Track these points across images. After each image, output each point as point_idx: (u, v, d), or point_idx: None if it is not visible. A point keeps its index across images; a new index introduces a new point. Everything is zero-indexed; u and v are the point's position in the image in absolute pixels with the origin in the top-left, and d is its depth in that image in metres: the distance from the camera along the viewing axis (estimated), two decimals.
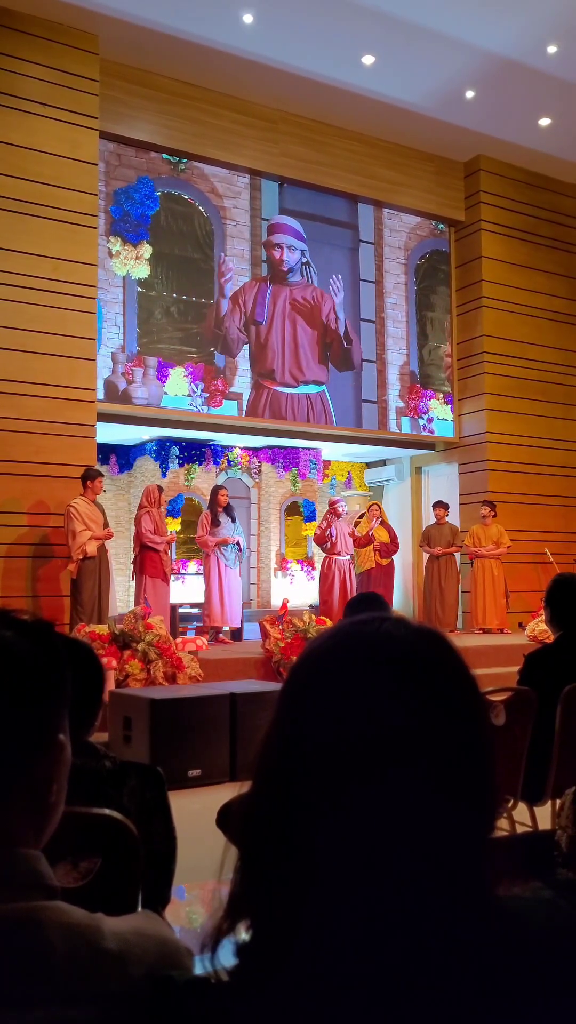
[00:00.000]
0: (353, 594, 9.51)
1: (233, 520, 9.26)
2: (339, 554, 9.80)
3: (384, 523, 10.46)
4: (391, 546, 10.35)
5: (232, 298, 10.16)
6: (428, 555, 10.66)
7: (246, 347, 10.20)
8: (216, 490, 9.36)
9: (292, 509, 11.91)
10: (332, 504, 10.04)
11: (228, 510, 9.25)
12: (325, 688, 0.65)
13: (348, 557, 9.91)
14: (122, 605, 10.01)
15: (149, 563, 8.67)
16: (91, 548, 7.87)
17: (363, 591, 9.07)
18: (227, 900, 0.67)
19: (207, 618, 9.16)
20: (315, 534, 10.17)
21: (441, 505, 10.73)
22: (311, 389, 10.58)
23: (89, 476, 8.10)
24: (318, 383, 10.61)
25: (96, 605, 7.87)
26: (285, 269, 10.54)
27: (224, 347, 10.01)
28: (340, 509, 9.96)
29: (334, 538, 9.77)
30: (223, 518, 9.15)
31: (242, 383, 10.17)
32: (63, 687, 0.86)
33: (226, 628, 9.20)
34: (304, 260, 10.71)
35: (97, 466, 8.69)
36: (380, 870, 0.61)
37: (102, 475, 8.35)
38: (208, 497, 9.71)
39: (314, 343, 10.62)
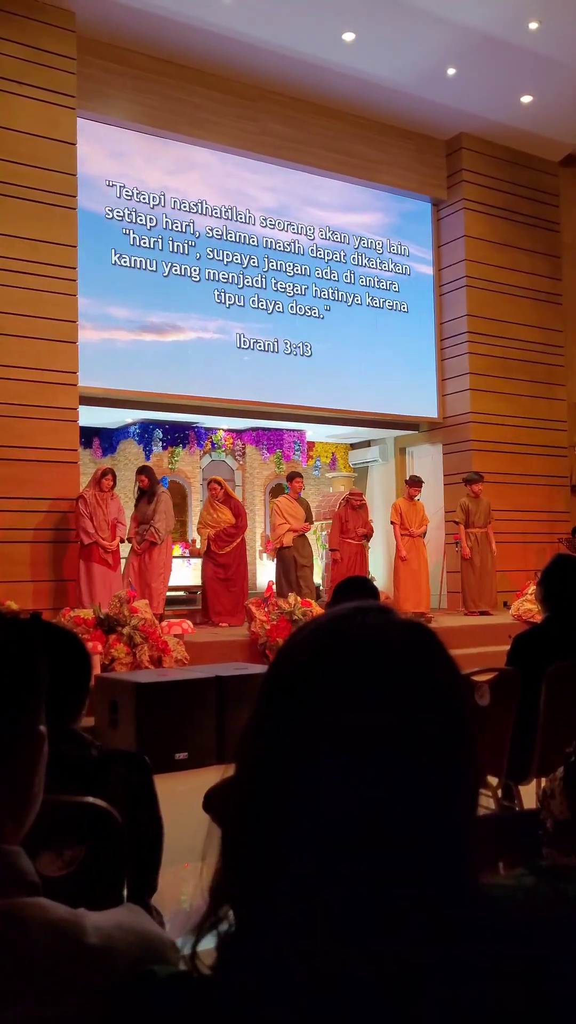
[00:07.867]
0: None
1: None
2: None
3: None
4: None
5: None
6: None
7: None
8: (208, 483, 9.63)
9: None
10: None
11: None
12: (307, 682, 0.64)
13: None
14: None
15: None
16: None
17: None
18: (209, 888, 0.67)
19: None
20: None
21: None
22: None
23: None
24: None
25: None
26: None
27: None
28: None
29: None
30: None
31: None
32: (39, 678, 0.84)
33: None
34: None
35: (79, 450, 8.70)
36: (362, 857, 0.61)
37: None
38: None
39: None
